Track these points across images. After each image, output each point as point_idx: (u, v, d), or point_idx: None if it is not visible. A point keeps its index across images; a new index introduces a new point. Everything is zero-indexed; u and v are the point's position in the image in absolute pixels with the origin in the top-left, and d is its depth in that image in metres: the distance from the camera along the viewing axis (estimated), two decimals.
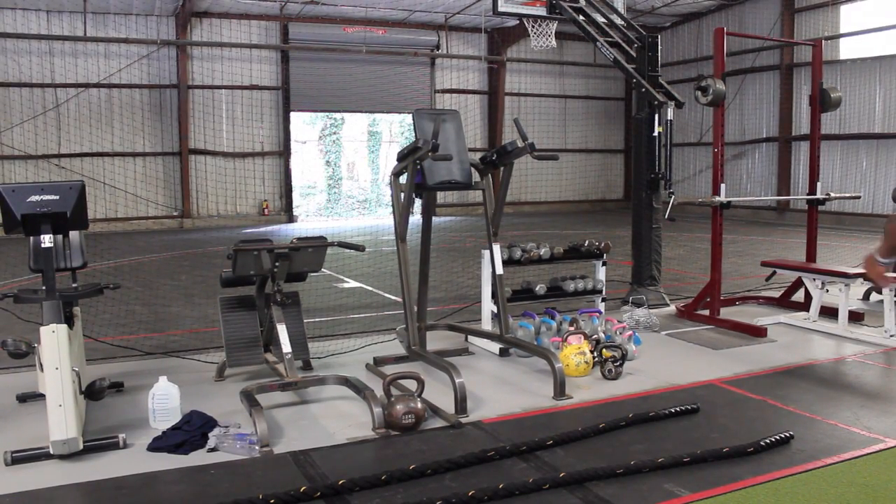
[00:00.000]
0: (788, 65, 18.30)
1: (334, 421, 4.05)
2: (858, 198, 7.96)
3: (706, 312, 6.43)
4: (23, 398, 4.39)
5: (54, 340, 3.53)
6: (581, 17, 7.24)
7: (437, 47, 19.86)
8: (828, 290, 6.34)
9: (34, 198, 3.78)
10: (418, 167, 4.80)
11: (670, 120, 6.56)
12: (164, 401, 3.94)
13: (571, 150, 21.45)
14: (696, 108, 18.48)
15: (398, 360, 5.17)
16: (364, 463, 3.53)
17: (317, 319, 6.42)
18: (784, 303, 7.04)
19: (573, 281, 6.26)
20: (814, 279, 6.28)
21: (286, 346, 4.25)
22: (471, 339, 5.71)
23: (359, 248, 4.61)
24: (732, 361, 5.22)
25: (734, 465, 3.41)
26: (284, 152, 18.68)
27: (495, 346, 5.44)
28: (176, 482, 3.31)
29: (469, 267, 9.47)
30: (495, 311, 5.47)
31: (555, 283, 6.30)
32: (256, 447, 3.59)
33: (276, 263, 4.26)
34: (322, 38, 18.42)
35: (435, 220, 5.55)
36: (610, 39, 7.22)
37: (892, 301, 5.66)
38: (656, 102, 6.55)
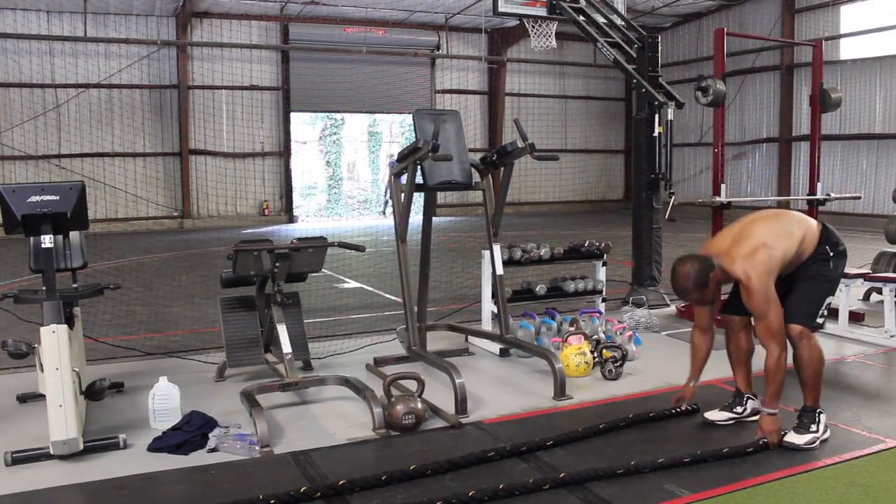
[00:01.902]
0: (789, 65, 18.30)
1: (334, 421, 4.05)
2: (859, 198, 7.96)
3: None
4: (23, 398, 4.39)
5: (54, 341, 3.53)
6: (581, 18, 7.24)
7: (438, 48, 19.86)
8: None
9: (34, 198, 3.77)
10: (418, 167, 4.80)
11: (670, 120, 6.56)
12: (165, 401, 3.94)
13: (572, 150, 21.45)
14: (697, 108, 18.47)
15: (398, 360, 5.17)
16: (364, 463, 3.53)
17: (317, 320, 6.42)
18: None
19: (573, 281, 6.26)
20: None
21: (286, 347, 4.25)
22: (471, 339, 5.71)
23: (359, 248, 4.61)
24: None
25: (734, 465, 3.41)
26: (285, 153, 18.68)
27: (495, 347, 5.44)
28: (176, 482, 3.31)
29: (469, 267, 9.47)
30: (495, 311, 5.46)
31: (555, 283, 6.30)
32: (256, 447, 3.59)
33: (277, 264, 4.26)
34: (322, 38, 18.42)
35: (435, 220, 5.55)
36: (610, 40, 7.22)
37: (893, 301, 5.66)
38: (656, 103, 6.55)
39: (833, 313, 6.12)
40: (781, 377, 3.56)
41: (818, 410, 3.71)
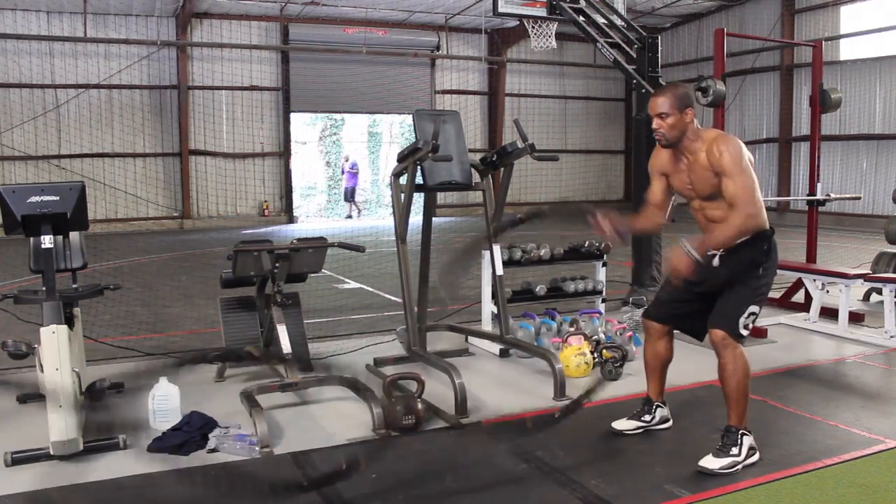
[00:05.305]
0: (789, 66, 18.29)
1: (334, 422, 4.05)
2: (858, 198, 7.97)
3: None
4: (23, 399, 4.39)
5: (54, 341, 3.53)
6: (581, 18, 7.24)
7: (438, 48, 19.85)
8: (828, 291, 6.34)
9: (34, 199, 3.76)
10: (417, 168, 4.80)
11: None
12: (165, 401, 3.94)
13: (571, 150, 21.43)
14: (697, 108, 18.44)
15: (398, 360, 5.17)
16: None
17: (317, 320, 6.42)
18: (784, 303, 7.03)
19: (573, 282, 6.25)
20: (814, 280, 6.28)
21: (286, 347, 4.25)
22: (471, 339, 5.71)
23: (359, 248, 4.61)
24: None
25: None
26: (285, 153, 18.67)
27: (495, 347, 5.44)
28: (176, 483, 3.31)
29: (469, 268, 9.45)
30: (495, 311, 5.46)
31: (555, 283, 6.30)
32: (257, 448, 3.59)
33: (277, 264, 4.26)
34: (322, 38, 18.40)
35: (435, 220, 5.56)
36: (610, 40, 7.21)
37: (893, 302, 5.66)
38: None
39: (833, 313, 6.13)
40: (733, 235, 3.28)
41: (741, 431, 3.37)
